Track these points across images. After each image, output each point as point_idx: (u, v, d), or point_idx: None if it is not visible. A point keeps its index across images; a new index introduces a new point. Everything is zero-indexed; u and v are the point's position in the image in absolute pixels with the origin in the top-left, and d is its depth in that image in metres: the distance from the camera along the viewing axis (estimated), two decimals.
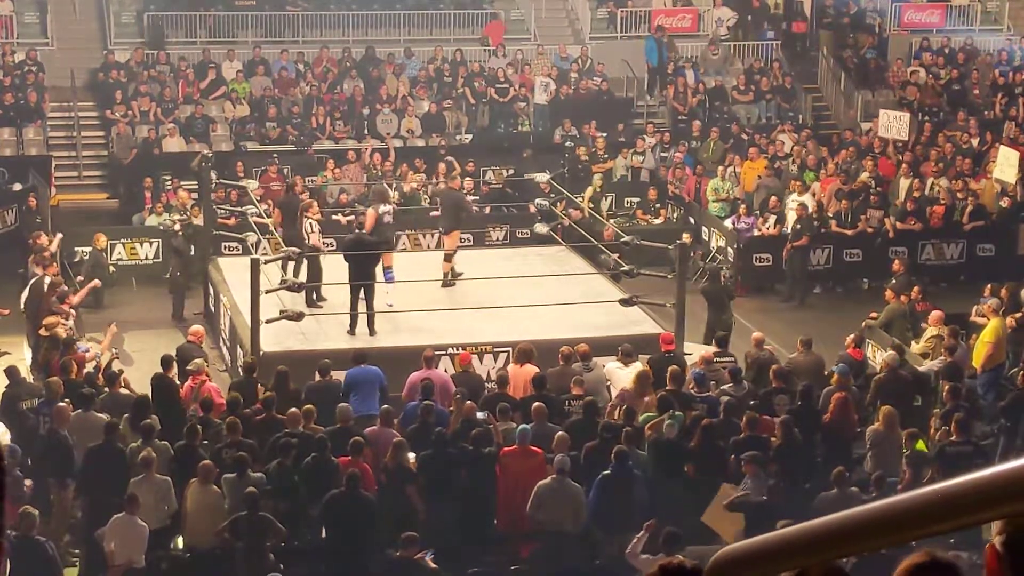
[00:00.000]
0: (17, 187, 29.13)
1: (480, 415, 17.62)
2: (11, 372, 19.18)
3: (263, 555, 15.65)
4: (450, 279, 24.10)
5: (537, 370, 19.27)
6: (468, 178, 30.02)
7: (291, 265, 23.00)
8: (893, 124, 32.07)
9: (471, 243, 28.05)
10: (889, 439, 17.87)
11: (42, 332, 21.02)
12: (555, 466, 16.33)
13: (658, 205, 30.71)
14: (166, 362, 19.07)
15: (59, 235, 25.97)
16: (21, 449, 16.91)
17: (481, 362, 21.07)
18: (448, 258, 24.23)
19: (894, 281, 24.84)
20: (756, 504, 16.42)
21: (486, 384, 19.98)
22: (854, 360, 20.66)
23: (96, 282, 24.95)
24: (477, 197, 29.81)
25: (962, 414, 17.96)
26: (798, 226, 27.81)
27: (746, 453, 16.84)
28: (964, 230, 29.06)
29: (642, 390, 18.54)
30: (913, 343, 22.25)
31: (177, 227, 26.53)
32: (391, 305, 22.31)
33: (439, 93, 34.89)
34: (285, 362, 19.59)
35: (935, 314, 22.54)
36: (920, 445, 17.64)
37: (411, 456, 16.83)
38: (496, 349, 21.16)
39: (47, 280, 22.71)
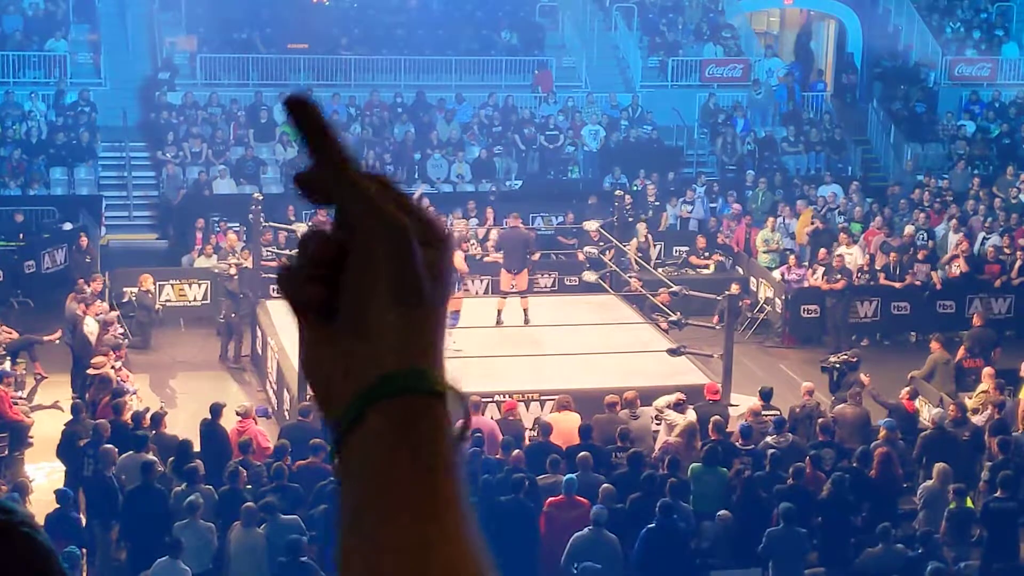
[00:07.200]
0: (68, 226, 29.29)
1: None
2: (75, 409, 19.25)
3: None
4: (501, 320, 24.27)
5: (578, 416, 19.25)
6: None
7: None
8: None
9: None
10: (943, 496, 17.72)
11: (90, 371, 21.09)
12: (591, 517, 16.25)
13: (707, 253, 30.62)
14: (215, 410, 19.02)
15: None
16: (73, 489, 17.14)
17: (527, 410, 21.03)
18: (523, 296, 24.47)
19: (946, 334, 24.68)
20: None
21: (527, 431, 19.92)
22: (906, 412, 20.50)
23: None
24: None
25: (1009, 470, 17.83)
26: (837, 275, 27.60)
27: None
28: (1013, 285, 28.91)
29: (689, 444, 18.51)
30: (966, 398, 21.98)
31: (232, 271, 26.32)
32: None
33: (489, 139, 35.00)
34: None
35: (987, 370, 22.31)
36: (968, 502, 17.52)
37: None
38: (543, 397, 21.09)
39: (90, 320, 22.80)
